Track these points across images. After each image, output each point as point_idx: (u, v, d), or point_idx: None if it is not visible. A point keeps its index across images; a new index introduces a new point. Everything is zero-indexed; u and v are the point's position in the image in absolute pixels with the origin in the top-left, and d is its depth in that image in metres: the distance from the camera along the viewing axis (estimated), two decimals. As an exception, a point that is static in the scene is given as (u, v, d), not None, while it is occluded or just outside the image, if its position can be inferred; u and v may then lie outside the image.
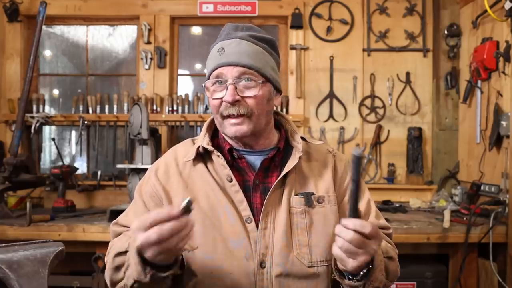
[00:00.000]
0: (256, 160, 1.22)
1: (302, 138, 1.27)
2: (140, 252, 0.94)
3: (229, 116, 1.15)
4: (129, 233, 1.05)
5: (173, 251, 0.94)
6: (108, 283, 1.13)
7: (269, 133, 1.25)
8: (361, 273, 1.01)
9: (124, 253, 1.05)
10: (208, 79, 1.18)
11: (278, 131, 1.30)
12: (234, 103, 1.13)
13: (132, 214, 1.24)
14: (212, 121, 1.29)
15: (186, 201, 0.91)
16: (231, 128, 1.15)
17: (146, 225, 0.90)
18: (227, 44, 1.16)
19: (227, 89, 1.13)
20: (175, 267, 1.00)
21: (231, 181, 1.18)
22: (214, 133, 1.29)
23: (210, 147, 1.20)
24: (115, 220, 1.27)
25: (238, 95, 1.13)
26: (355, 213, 0.96)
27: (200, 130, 1.31)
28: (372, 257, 0.99)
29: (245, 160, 1.22)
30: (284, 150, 1.25)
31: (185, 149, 1.27)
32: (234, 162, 1.22)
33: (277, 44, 1.26)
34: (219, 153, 1.20)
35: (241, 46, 1.15)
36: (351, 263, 0.96)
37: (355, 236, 0.93)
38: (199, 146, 1.21)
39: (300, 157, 1.21)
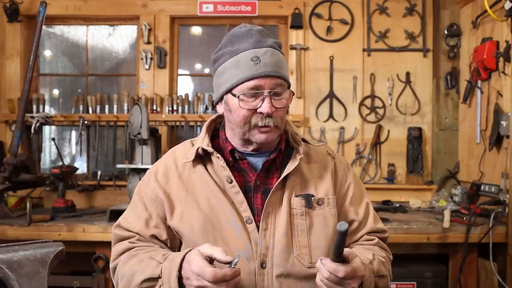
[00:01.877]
0: (257, 161, 1.22)
1: (303, 140, 1.27)
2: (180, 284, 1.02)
3: (261, 126, 1.14)
4: (166, 264, 1.06)
5: None
6: None
7: None
8: None
9: (156, 279, 1.07)
10: (235, 86, 1.14)
11: None
12: (270, 114, 1.13)
13: (134, 217, 1.24)
14: (212, 121, 1.29)
15: (236, 260, 0.99)
16: (260, 136, 1.15)
17: (208, 278, 0.96)
18: (261, 53, 1.13)
19: (263, 100, 1.13)
20: None
21: (231, 182, 1.18)
22: (213, 134, 1.28)
23: (210, 149, 1.20)
24: (116, 223, 1.27)
25: (273, 106, 1.13)
26: (337, 257, 0.99)
27: (200, 130, 1.31)
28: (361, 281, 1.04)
29: (247, 161, 1.22)
30: (285, 151, 1.25)
31: (184, 150, 1.27)
32: (235, 163, 1.22)
33: None
34: (219, 155, 1.19)
35: (275, 56, 1.15)
36: None
37: (331, 276, 0.99)
38: (198, 148, 1.21)
39: (300, 159, 1.21)
